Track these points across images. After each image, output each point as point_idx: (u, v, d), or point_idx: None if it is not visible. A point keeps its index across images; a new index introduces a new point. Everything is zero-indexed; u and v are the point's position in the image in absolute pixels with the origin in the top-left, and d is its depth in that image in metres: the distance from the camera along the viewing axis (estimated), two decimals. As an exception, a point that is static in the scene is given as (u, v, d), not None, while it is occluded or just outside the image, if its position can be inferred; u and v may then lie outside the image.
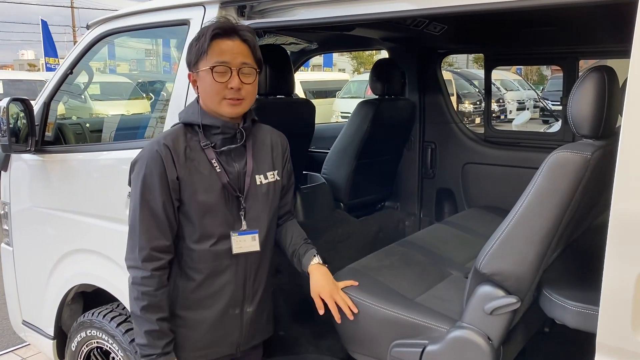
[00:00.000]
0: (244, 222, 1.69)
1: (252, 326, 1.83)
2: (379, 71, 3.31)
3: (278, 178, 1.79)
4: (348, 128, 3.27)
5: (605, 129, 1.67)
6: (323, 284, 1.85)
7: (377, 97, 3.34)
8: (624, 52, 1.57)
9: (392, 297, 2.03)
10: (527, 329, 2.10)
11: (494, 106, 15.93)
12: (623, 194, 1.28)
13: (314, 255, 1.88)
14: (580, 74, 2.54)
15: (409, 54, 3.56)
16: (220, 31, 1.61)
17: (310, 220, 3.08)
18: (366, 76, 18.59)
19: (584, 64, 3.71)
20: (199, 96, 1.69)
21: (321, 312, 1.84)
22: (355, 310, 1.88)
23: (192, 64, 1.65)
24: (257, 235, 1.71)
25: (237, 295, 1.73)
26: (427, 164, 3.67)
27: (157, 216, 1.58)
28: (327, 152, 3.47)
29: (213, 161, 1.64)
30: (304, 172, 3.26)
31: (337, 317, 1.87)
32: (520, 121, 6.60)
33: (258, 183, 1.72)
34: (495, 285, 1.75)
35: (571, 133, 3.20)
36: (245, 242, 1.69)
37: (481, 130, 3.68)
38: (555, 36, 3.02)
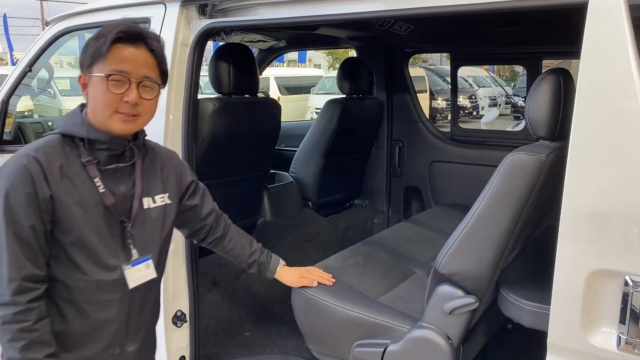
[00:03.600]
0: (133, 251, 1.48)
1: None
2: (347, 70, 3.31)
3: (169, 202, 1.59)
4: (316, 127, 3.27)
5: (561, 130, 1.70)
6: (299, 275, 1.90)
7: (344, 95, 3.34)
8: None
9: (354, 297, 2.04)
10: (488, 327, 2.13)
11: (467, 103, 16.11)
12: (573, 193, 1.31)
13: (279, 261, 1.91)
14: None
15: (376, 52, 3.57)
16: (125, 35, 1.39)
17: (278, 219, 3.08)
18: (340, 72, 18.51)
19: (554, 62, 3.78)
20: (85, 103, 1.46)
21: (315, 283, 1.99)
22: (331, 283, 2.03)
23: (86, 66, 1.41)
24: (150, 262, 1.52)
25: (119, 333, 1.50)
26: (395, 162, 3.69)
27: (25, 243, 1.33)
28: (296, 151, 3.47)
29: (96, 180, 1.41)
30: (271, 171, 3.25)
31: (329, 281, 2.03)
32: (488, 118, 6.68)
33: (146, 207, 1.52)
34: (454, 285, 1.77)
35: (534, 132, 3.25)
36: (141, 272, 1.50)
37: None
38: (519, 36, 3.06)
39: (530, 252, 2.07)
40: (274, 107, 2.75)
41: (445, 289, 1.79)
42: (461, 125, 3.74)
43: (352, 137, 3.36)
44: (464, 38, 3.25)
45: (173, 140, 2.15)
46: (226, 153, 2.51)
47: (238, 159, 2.64)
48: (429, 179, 3.60)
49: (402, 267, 2.43)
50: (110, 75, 1.36)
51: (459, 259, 1.73)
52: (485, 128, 5.70)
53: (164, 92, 2.18)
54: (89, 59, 1.40)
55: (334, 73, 18.51)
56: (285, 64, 23.05)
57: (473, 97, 16.91)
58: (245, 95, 2.57)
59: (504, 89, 16.13)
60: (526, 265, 2.00)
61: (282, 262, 1.92)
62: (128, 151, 1.47)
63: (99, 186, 1.41)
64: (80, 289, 1.42)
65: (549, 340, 1.38)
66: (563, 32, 2.85)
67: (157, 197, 1.55)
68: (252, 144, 2.68)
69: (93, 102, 1.41)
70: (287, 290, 2.34)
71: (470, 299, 1.73)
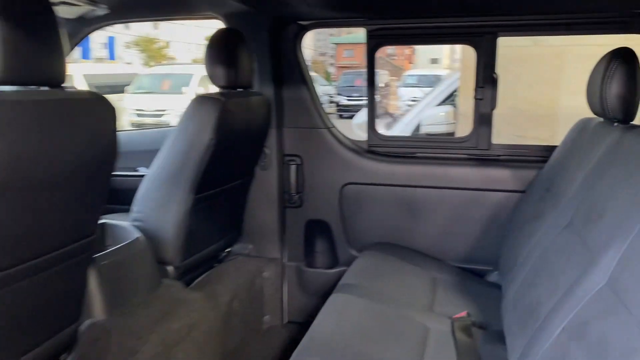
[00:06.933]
0: None
1: None
2: (221, 47, 2.05)
3: None
4: (178, 142, 1.94)
5: None
6: None
7: (220, 90, 2.08)
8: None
9: None
10: None
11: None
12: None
13: None
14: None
15: (257, 25, 2.36)
16: None
17: (116, 317, 1.69)
18: (159, 69, 16.79)
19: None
20: None
21: None
22: None
23: None
24: None
25: None
26: (291, 188, 2.54)
27: None
28: (137, 180, 2.10)
29: None
30: (100, 221, 1.81)
31: None
32: (360, 120, 5.83)
33: None
34: None
35: (486, 138, 2.36)
36: None
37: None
38: (466, 4, 2.12)
39: None
40: (101, 106, 1.40)
41: None
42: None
43: (233, 156, 2.13)
44: (388, 7, 2.22)
45: None
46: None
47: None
48: (340, 209, 2.52)
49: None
50: None
51: None
52: (359, 131, 4.81)
53: None
54: None
55: (151, 70, 16.66)
56: (93, 61, 20.52)
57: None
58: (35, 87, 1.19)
59: (359, 90, 16.15)
60: None
61: None
62: None
63: None
64: None
65: None
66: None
67: None
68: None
69: None
70: None
71: None
